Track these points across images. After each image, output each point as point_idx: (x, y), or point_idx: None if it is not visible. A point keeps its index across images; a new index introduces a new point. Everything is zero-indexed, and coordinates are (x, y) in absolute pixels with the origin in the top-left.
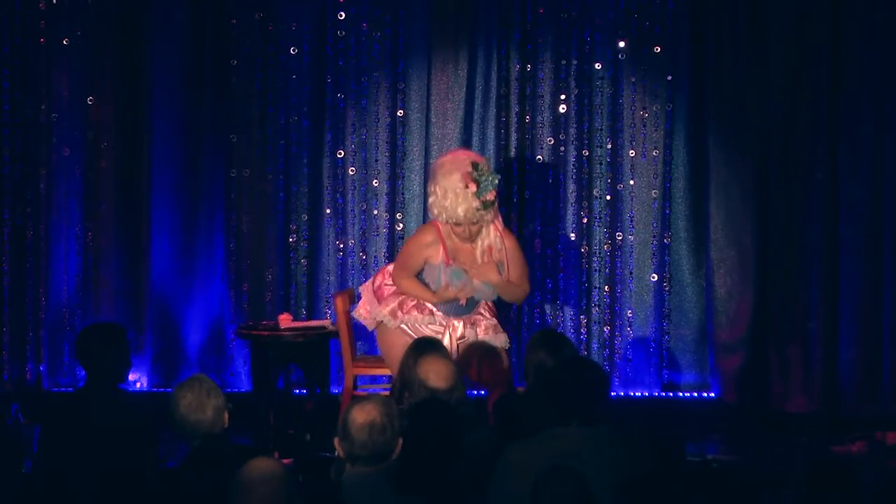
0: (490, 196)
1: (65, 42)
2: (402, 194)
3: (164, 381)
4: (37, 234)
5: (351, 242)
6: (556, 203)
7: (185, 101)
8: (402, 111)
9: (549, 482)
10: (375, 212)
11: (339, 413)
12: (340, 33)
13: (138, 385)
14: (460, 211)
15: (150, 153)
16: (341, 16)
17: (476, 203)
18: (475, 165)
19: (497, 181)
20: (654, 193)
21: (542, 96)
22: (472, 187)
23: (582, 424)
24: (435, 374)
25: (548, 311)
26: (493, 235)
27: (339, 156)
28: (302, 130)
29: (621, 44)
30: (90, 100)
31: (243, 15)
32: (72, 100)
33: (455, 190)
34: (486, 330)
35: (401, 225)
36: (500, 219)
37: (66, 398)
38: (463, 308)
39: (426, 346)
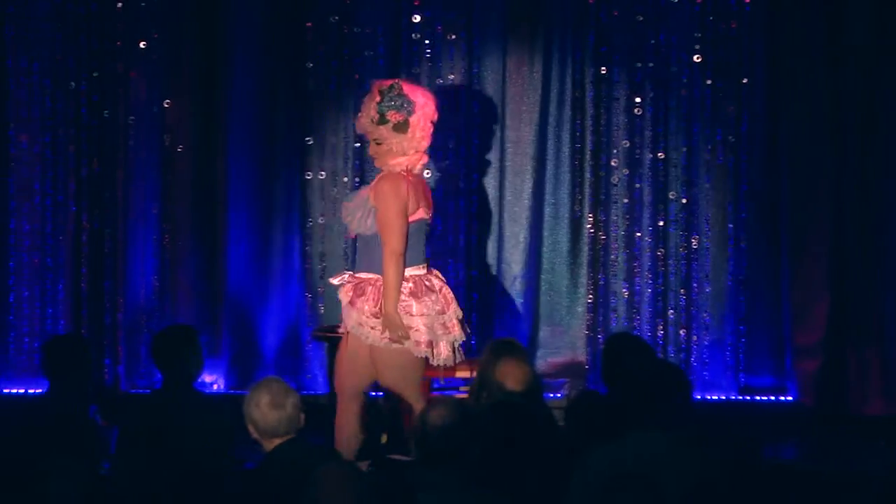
0: (390, 115)
1: (142, 45)
2: (476, 196)
3: (241, 383)
4: (114, 236)
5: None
6: (632, 206)
7: (260, 103)
8: (476, 114)
9: (620, 491)
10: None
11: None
12: (415, 36)
13: (215, 387)
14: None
15: (227, 155)
16: (416, 19)
17: (373, 113)
18: (392, 85)
19: (406, 107)
20: (730, 196)
21: (618, 99)
22: (377, 97)
23: (662, 429)
24: (513, 378)
25: (624, 315)
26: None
27: None
28: None
29: (696, 46)
30: (167, 103)
31: (319, 18)
32: (149, 102)
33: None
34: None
35: (475, 224)
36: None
37: (143, 399)
38: None
39: (504, 349)
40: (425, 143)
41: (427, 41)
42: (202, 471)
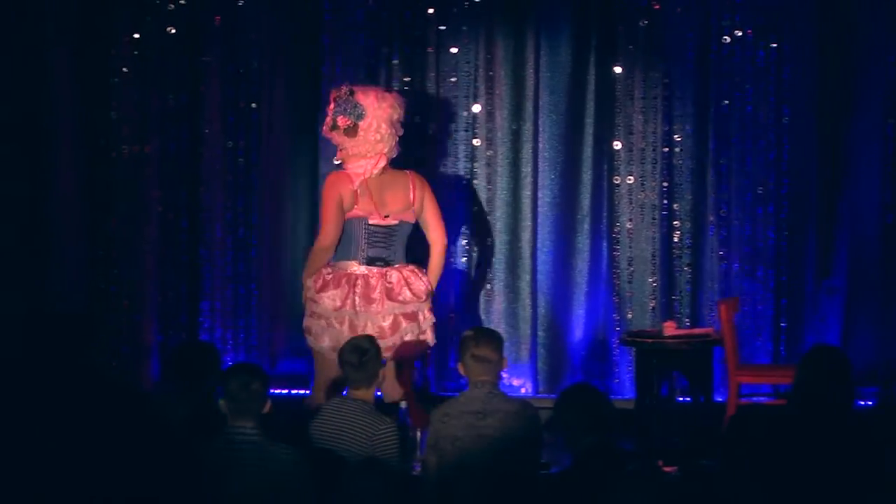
0: (339, 121)
1: (452, 50)
2: (786, 201)
3: (548, 387)
4: None
5: (735, 250)
6: None
7: (568, 105)
8: (787, 118)
9: None
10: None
11: (722, 421)
12: (725, 40)
13: (522, 390)
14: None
15: (536, 157)
16: (726, 23)
17: (328, 119)
18: (343, 91)
19: (353, 112)
20: None
21: None
22: (331, 104)
23: None
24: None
25: None
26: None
27: (722, 163)
28: (686, 137)
29: None
30: (476, 108)
31: (628, 22)
32: (458, 108)
33: None
34: None
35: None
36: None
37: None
38: None
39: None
40: (382, 146)
41: (737, 45)
42: (511, 474)
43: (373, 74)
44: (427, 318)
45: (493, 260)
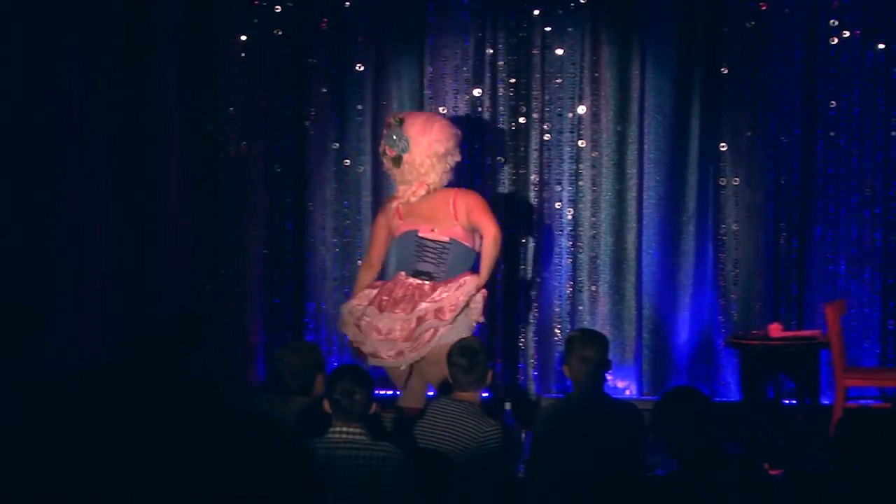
0: (388, 150)
1: (559, 52)
2: (893, 203)
3: (653, 389)
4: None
5: (842, 252)
6: None
7: (674, 107)
8: (895, 120)
9: None
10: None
11: (829, 425)
12: (832, 40)
13: (627, 392)
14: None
15: (641, 159)
16: (834, 23)
17: (382, 143)
18: (394, 120)
19: (398, 144)
20: None
21: None
22: (384, 130)
23: None
24: None
25: None
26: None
27: (828, 165)
28: (792, 139)
29: None
30: (582, 109)
31: (734, 23)
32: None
33: None
34: None
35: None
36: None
37: (555, 405)
38: None
39: None
40: (426, 177)
41: (844, 46)
42: (613, 477)
43: (478, 75)
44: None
45: (598, 261)
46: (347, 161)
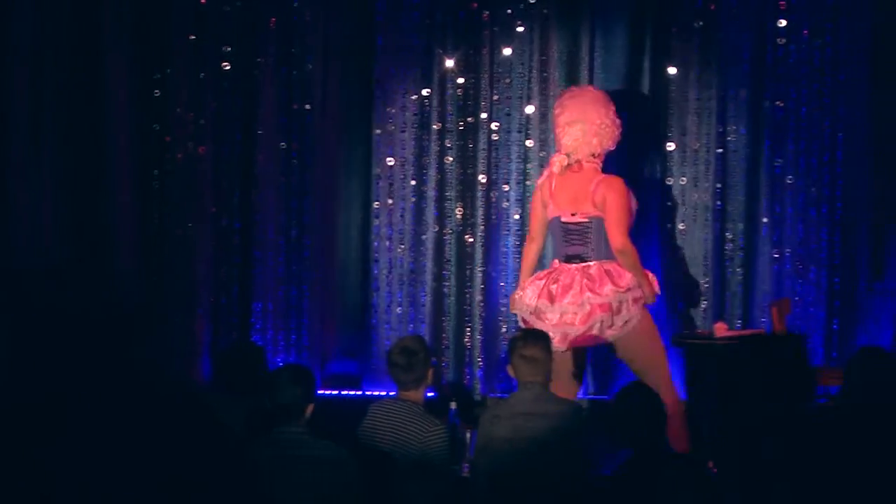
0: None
1: (506, 52)
2: (839, 203)
3: (598, 389)
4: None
5: (788, 251)
6: None
7: (620, 106)
8: (841, 120)
9: None
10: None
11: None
12: (780, 41)
13: None
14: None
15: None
16: (782, 23)
17: None
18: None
19: None
20: None
21: None
22: None
23: None
24: None
25: None
26: None
27: (776, 164)
28: (739, 138)
29: None
30: (531, 108)
31: (683, 23)
32: (511, 108)
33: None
34: None
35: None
36: None
37: (499, 403)
38: None
39: None
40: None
41: (792, 46)
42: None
43: (426, 75)
44: (631, 311)
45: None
46: (295, 161)
